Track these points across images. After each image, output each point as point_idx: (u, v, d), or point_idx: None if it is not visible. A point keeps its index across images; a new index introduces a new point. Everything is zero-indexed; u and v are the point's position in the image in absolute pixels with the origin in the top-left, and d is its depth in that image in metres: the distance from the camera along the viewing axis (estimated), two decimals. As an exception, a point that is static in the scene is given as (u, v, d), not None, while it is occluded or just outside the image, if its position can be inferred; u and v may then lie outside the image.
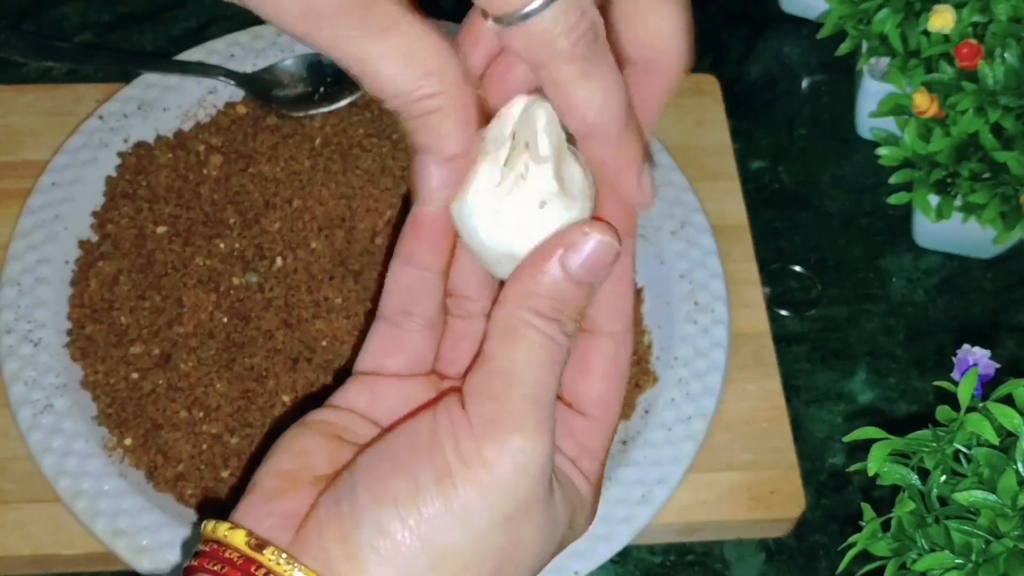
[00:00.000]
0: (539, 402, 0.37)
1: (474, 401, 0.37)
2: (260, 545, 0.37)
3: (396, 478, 0.37)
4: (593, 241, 0.37)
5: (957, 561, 0.45)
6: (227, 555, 0.37)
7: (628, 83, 0.38)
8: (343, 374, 0.54)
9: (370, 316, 0.55)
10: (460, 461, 0.36)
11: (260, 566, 0.37)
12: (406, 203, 0.61)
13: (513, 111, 0.37)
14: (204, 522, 0.39)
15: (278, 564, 0.36)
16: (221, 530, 0.38)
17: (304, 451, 0.40)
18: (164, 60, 0.72)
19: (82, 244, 0.65)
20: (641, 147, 0.38)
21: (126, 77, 0.71)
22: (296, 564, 0.36)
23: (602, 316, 0.40)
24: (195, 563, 0.38)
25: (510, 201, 0.37)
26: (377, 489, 0.37)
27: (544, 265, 0.37)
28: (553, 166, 0.37)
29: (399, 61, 0.35)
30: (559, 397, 0.41)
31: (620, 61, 0.37)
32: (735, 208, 0.70)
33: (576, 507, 0.40)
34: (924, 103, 0.64)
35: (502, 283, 0.39)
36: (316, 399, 0.48)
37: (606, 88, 0.36)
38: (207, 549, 0.38)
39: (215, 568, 0.37)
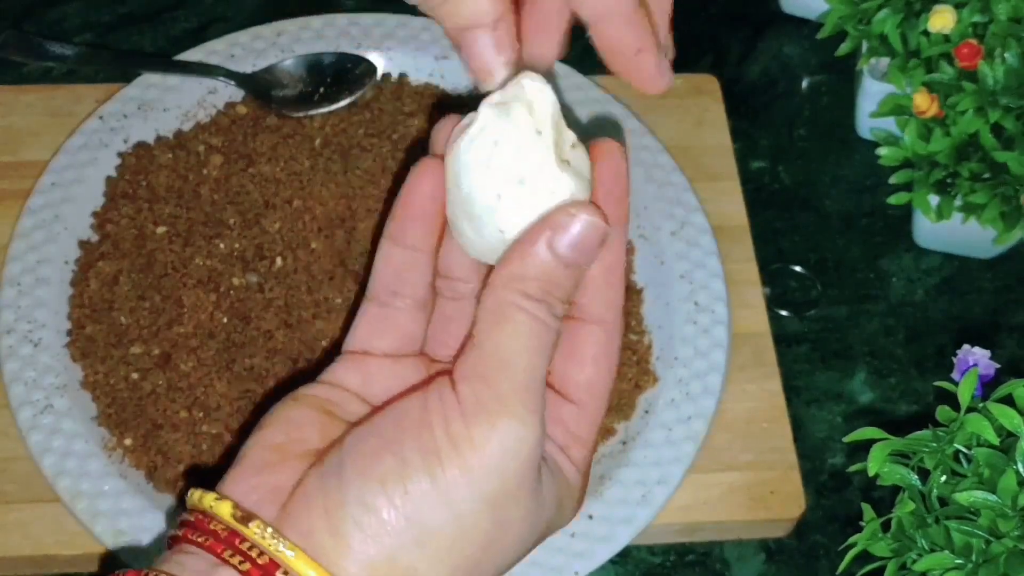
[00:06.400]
0: (529, 385, 0.37)
1: (464, 384, 0.37)
2: (246, 518, 0.37)
3: (383, 456, 0.37)
4: (580, 222, 0.37)
5: (957, 561, 0.45)
6: (212, 527, 0.37)
7: None
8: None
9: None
10: (448, 442, 0.36)
11: (244, 539, 0.36)
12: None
13: (521, 80, 0.37)
14: (190, 491, 0.39)
15: (263, 538, 0.36)
16: (207, 500, 0.38)
17: (296, 424, 0.40)
18: (164, 60, 0.72)
19: (82, 244, 0.65)
20: (653, 31, 0.38)
21: (126, 77, 0.71)
22: (280, 538, 0.36)
23: (593, 304, 0.40)
24: (179, 533, 0.38)
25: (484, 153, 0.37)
26: (364, 466, 0.37)
27: (532, 247, 0.37)
28: (550, 137, 0.37)
29: None
30: (548, 384, 0.41)
31: None
32: (735, 208, 0.70)
33: (564, 494, 0.40)
34: (924, 103, 0.64)
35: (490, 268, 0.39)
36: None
37: None
38: (192, 519, 0.38)
39: (199, 539, 0.37)
